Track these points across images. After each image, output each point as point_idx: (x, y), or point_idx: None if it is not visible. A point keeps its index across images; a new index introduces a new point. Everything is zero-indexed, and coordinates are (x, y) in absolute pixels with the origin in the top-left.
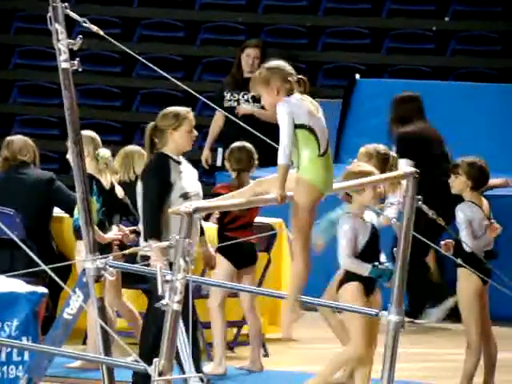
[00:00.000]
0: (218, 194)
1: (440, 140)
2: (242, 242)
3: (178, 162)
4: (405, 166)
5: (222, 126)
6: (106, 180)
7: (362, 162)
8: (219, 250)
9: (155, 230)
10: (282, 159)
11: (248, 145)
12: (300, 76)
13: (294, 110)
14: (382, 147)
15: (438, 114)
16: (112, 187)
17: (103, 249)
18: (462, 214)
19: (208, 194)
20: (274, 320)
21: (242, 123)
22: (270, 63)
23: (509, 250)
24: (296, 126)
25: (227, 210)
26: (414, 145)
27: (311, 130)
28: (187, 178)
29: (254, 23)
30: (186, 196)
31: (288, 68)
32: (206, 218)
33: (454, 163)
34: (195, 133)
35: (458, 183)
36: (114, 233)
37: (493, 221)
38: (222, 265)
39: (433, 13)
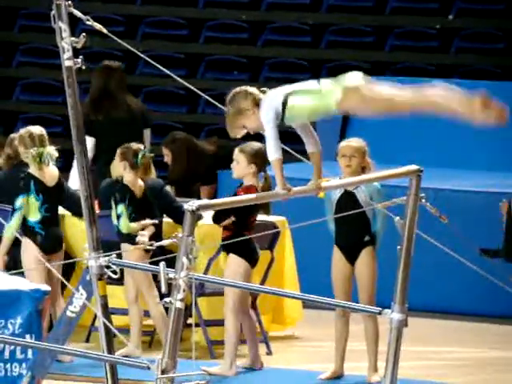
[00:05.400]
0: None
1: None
2: (254, 241)
3: None
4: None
5: None
6: (49, 177)
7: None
8: (235, 251)
9: None
10: (273, 155)
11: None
12: (263, 89)
13: (276, 106)
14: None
15: None
16: (58, 182)
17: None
18: None
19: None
20: (277, 318)
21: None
22: (227, 99)
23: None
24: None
25: (250, 211)
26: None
27: None
28: None
29: (257, 21)
30: None
31: (243, 89)
32: (217, 221)
33: None
34: None
35: None
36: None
37: None
38: (241, 265)
39: (436, 11)
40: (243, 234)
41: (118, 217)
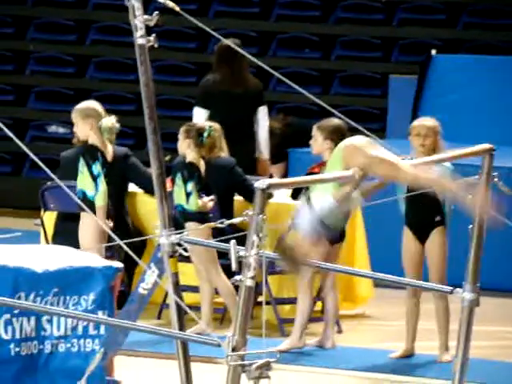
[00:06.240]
0: (313, 174)
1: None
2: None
3: None
4: (197, 113)
5: None
6: (109, 151)
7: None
8: None
9: None
10: None
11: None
12: None
13: None
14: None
15: None
16: (114, 157)
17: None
18: None
19: None
20: (347, 297)
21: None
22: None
23: None
24: None
25: None
26: (201, 94)
27: None
28: None
29: None
30: None
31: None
32: (294, 197)
33: None
34: None
35: None
36: None
37: None
38: None
39: None
40: None
41: (188, 195)
